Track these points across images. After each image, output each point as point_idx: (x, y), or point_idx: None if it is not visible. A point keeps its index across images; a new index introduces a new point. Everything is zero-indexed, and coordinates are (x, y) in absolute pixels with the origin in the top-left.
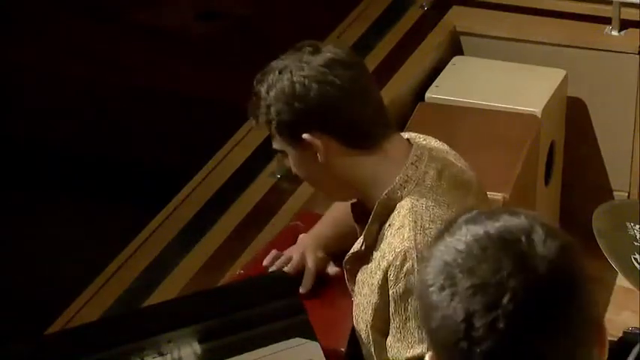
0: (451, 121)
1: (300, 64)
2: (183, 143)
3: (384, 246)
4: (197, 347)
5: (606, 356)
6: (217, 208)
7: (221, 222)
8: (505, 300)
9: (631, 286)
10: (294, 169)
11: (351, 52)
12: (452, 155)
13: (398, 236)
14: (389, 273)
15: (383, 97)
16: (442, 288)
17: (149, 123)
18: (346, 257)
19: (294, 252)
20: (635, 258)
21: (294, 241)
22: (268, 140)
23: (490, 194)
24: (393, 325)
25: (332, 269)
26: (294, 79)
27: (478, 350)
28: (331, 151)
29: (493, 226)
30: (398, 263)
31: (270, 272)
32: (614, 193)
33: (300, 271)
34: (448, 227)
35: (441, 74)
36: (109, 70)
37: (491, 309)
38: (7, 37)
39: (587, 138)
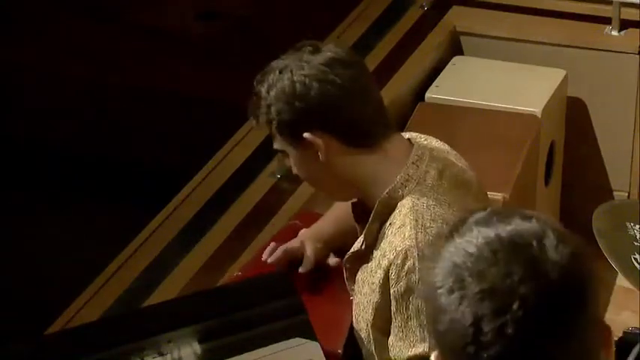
0: (451, 121)
1: (301, 64)
2: (183, 143)
3: (384, 245)
4: (197, 347)
5: (613, 358)
6: (217, 208)
7: (221, 222)
8: (515, 306)
9: (631, 286)
10: (294, 169)
11: (351, 51)
12: (452, 155)
13: (399, 235)
14: (390, 272)
15: (383, 97)
16: (451, 291)
17: (149, 123)
18: (346, 256)
19: (293, 244)
20: (635, 258)
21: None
22: (268, 140)
23: (490, 194)
24: (394, 325)
25: (332, 260)
26: (295, 78)
27: (486, 355)
28: (332, 150)
29: (504, 230)
30: (399, 262)
31: (270, 272)
32: (614, 193)
33: (298, 260)
34: (458, 227)
35: (441, 74)
36: (109, 70)
37: (501, 314)
38: (7, 37)
39: (587, 138)
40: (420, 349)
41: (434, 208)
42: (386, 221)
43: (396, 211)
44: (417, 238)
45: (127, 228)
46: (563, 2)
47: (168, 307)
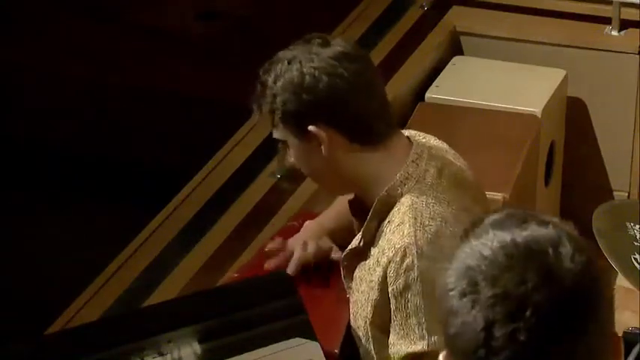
0: (451, 121)
1: (310, 56)
2: (183, 143)
3: (382, 243)
4: (197, 347)
5: None
6: (217, 208)
7: (221, 222)
8: (528, 313)
9: (631, 286)
10: (294, 161)
11: (358, 46)
12: (451, 154)
13: (398, 233)
14: (389, 269)
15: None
16: (463, 294)
17: (149, 123)
18: (344, 254)
19: (298, 240)
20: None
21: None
22: (268, 140)
23: (490, 194)
24: (395, 323)
25: (336, 254)
26: (304, 70)
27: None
28: (335, 144)
29: (521, 235)
30: (398, 259)
31: (270, 272)
32: (614, 193)
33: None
34: (473, 227)
35: (441, 74)
36: (109, 70)
37: (513, 320)
38: (7, 37)
39: (587, 138)
40: (420, 346)
41: (433, 206)
42: (384, 219)
43: (395, 209)
44: (415, 236)
45: (127, 228)
46: (563, 2)
47: (168, 307)
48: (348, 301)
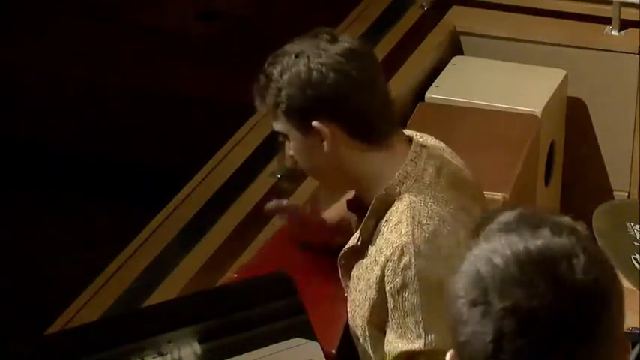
0: (451, 121)
1: (318, 51)
2: (183, 143)
3: (380, 241)
4: (197, 347)
5: None
6: (217, 208)
7: (221, 222)
8: (537, 327)
9: (631, 286)
10: (294, 154)
11: (364, 42)
12: (448, 153)
13: (396, 232)
14: (387, 268)
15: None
16: (474, 303)
17: (149, 123)
18: (341, 252)
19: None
20: (635, 258)
21: (288, 243)
22: (268, 140)
23: (490, 194)
24: (392, 321)
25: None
26: (311, 65)
27: None
28: (337, 140)
29: (534, 243)
30: (396, 258)
31: (270, 272)
32: (614, 193)
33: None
34: (483, 225)
35: (441, 74)
36: (109, 70)
37: (522, 334)
38: (7, 37)
39: (587, 138)
40: (416, 344)
41: (431, 205)
42: (382, 218)
43: (393, 208)
44: (413, 235)
45: (127, 228)
46: (563, 2)
47: (168, 307)
48: (346, 299)
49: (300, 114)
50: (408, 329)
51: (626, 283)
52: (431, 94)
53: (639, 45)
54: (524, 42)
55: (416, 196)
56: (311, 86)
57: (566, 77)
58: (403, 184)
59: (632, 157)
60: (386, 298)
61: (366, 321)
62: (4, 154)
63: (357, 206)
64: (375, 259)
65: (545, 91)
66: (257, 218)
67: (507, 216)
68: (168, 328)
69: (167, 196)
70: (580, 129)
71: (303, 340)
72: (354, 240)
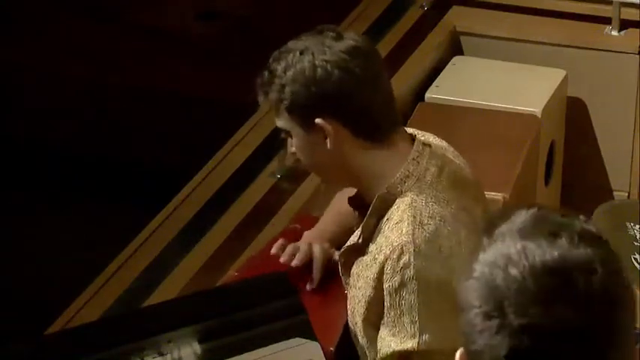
0: (451, 121)
1: (323, 48)
2: (183, 143)
3: (380, 240)
4: (197, 347)
5: None
6: (217, 208)
7: (221, 222)
8: (552, 345)
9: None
10: (296, 151)
11: (368, 40)
12: (450, 152)
13: (396, 230)
14: (385, 266)
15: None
16: (489, 317)
17: (149, 123)
18: (342, 250)
19: (300, 244)
20: (635, 258)
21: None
22: (268, 140)
23: (490, 194)
24: (388, 319)
25: (337, 256)
26: (316, 62)
27: None
28: (340, 138)
29: (551, 255)
30: (395, 257)
31: (270, 272)
32: (614, 193)
33: (307, 262)
34: (496, 225)
35: (441, 74)
36: (109, 70)
37: (537, 351)
38: (7, 37)
39: (587, 138)
40: (410, 344)
41: (432, 205)
42: (383, 216)
43: (394, 206)
44: (414, 234)
45: (127, 228)
46: (563, 2)
47: (168, 307)
48: (345, 297)
49: (304, 111)
50: (403, 328)
51: None
52: (431, 94)
53: (639, 45)
54: (524, 42)
55: (417, 196)
56: (315, 83)
57: (566, 77)
58: (405, 182)
59: (632, 157)
60: (383, 295)
61: (362, 319)
62: (4, 154)
63: (359, 204)
64: (375, 257)
65: (545, 91)
66: (257, 218)
67: (523, 217)
68: (168, 328)
69: (167, 196)
70: (580, 129)
71: (303, 340)
72: (354, 238)
